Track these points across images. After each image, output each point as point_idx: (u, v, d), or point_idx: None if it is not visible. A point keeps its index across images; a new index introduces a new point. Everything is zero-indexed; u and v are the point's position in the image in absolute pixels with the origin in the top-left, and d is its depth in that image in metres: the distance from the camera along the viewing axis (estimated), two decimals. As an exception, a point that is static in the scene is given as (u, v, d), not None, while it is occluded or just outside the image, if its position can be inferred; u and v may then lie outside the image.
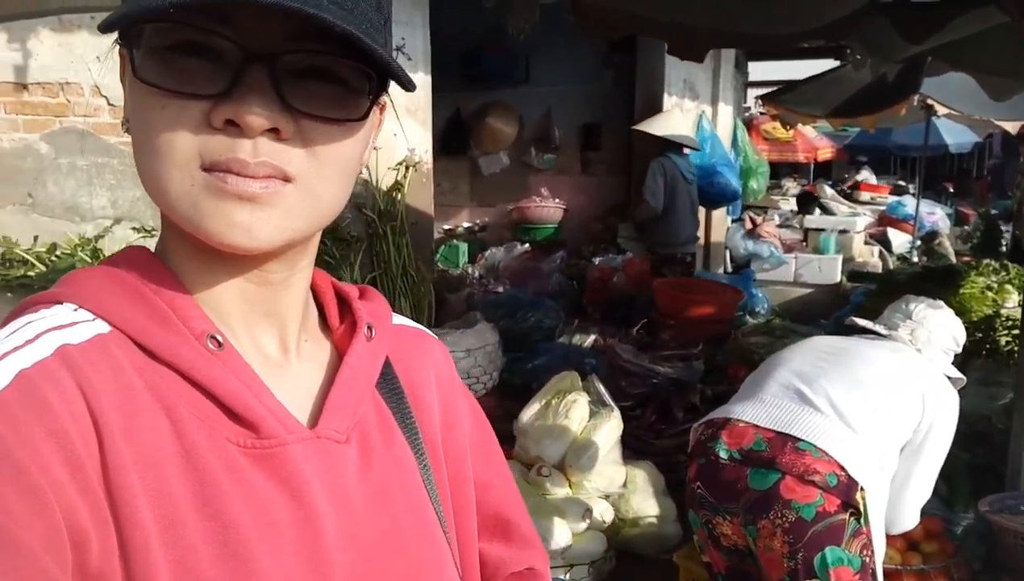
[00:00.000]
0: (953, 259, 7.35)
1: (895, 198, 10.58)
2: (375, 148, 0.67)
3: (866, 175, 12.26)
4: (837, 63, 7.38)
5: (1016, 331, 4.61)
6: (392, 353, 0.68)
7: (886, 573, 2.26)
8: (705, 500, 1.92)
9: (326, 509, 0.56)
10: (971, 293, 4.85)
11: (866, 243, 8.36)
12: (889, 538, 2.36)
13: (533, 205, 7.19)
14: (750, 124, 11.64)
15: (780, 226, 8.14)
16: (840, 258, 7.27)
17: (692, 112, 7.02)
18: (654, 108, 6.66)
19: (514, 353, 4.37)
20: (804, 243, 7.96)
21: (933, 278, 5.05)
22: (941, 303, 2.20)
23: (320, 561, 0.55)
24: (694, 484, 1.97)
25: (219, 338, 0.55)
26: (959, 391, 2.07)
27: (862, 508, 1.77)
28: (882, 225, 9.72)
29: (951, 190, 13.39)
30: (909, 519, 2.01)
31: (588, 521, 2.77)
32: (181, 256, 0.58)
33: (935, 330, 2.08)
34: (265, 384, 0.57)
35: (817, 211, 9.41)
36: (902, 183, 12.48)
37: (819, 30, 4.30)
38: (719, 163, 6.71)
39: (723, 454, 1.87)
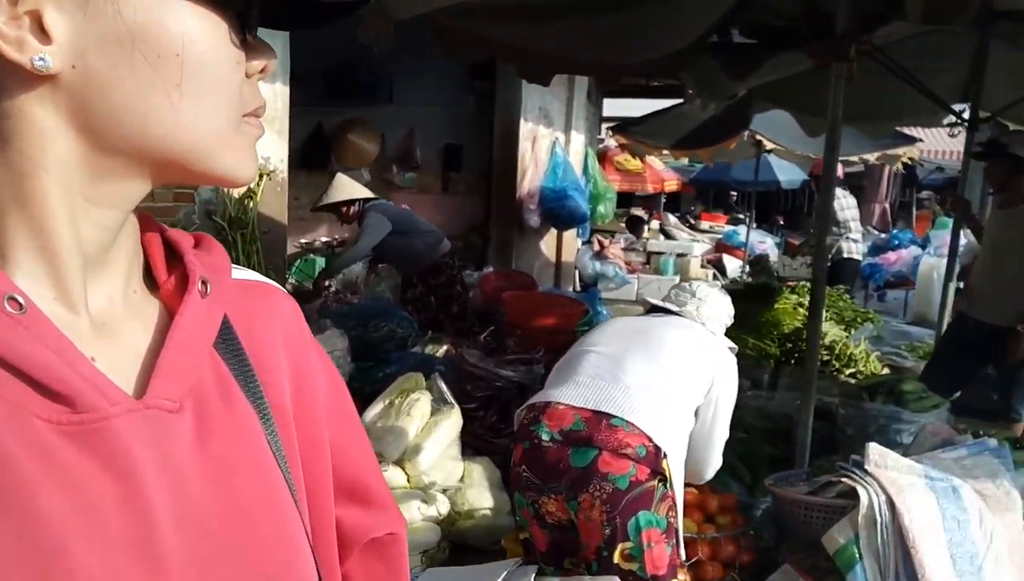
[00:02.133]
0: (775, 281, 8.07)
1: (731, 228, 11.49)
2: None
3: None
4: (681, 101, 8.02)
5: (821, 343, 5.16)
6: (233, 310, 0.62)
7: (684, 541, 2.54)
8: (531, 482, 2.07)
9: (158, 488, 0.50)
10: (784, 308, 5.39)
11: (702, 266, 9.03)
12: (688, 510, 2.66)
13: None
14: (604, 155, 12.31)
15: (626, 249, 8.67)
16: (678, 278, 7.84)
17: (546, 138, 7.40)
18: (511, 132, 7.00)
19: (366, 362, 4.45)
20: (647, 265, 8.50)
21: (753, 295, 5.56)
22: (717, 284, 2.55)
23: (151, 547, 0.49)
24: (519, 468, 2.12)
25: (20, 299, 0.47)
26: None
27: (668, 474, 1.99)
28: (718, 251, 10.56)
29: (781, 222, 14.63)
30: (716, 462, 2.33)
31: (422, 513, 2.91)
32: (30, 204, 0.49)
33: (715, 306, 2.42)
34: (81, 350, 0.50)
35: (661, 237, 10.09)
36: (740, 215, 13.50)
37: (653, 63, 4.71)
38: (570, 188, 7.10)
39: (545, 436, 2.03)
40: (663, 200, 13.99)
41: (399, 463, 3.09)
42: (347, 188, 5.63)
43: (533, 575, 1.88)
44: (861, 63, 3.13)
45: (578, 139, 8.18)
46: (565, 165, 7.34)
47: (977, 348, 4.47)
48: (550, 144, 7.40)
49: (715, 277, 8.69)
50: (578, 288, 8.04)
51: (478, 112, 7.49)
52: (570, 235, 7.90)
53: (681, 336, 2.27)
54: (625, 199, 14.20)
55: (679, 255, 8.22)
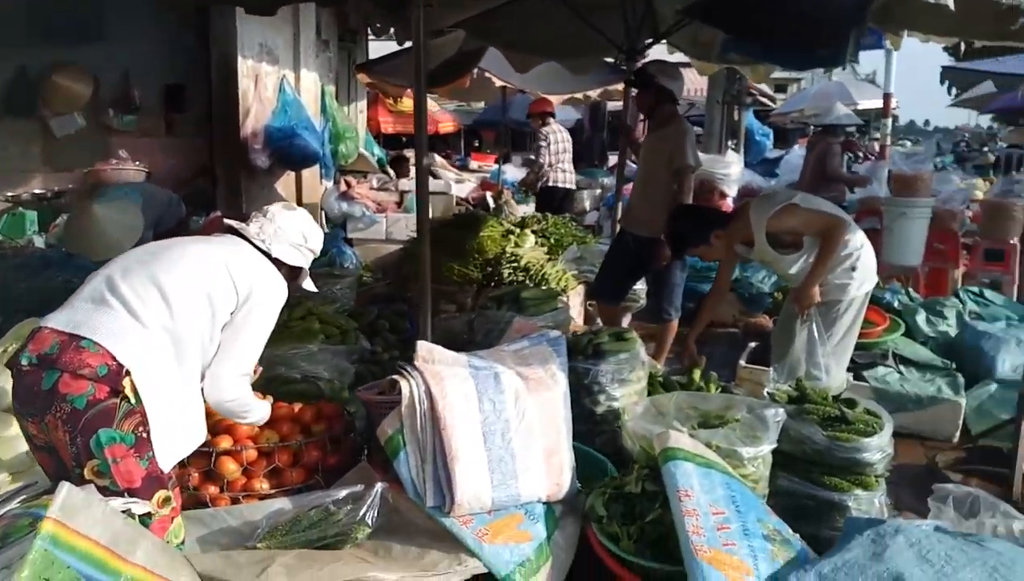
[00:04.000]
0: (516, 213, 8.45)
1: (497, 166, 11.81)
2: None
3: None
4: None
5: (514, 264, 5.51)
6: None
7: (264, 451, 2.68)
8: (16, 407, 2.10)
9: None
10: (489, 235, 5.69)
11: (457, 204, 9.24)
12: (279, 422, 2.80)
13: (109, 168, 6.88)
14: (376, 98, 12.20)
15: (379, 189, 8.69)
16: (426, 216, 8.00)
17: (271, 76, 7.22)
18: (230, 69, 6.76)
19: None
20: (400, 205, 8.59)
21: (462, 223, 5.82)
22: (295, 206, 2.64)
23: None
24: (12, 396, 2.12)
25: None
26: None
27: (131, 391, 2.03)
28: (483, 189, 10.85)
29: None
30: (224, 387, 2.29)
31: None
32: None
33: (282, 226, 2.50)
34: None
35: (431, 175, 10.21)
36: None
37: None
38: (299, 126, 7.00)
39: (24, 361, 2.04)
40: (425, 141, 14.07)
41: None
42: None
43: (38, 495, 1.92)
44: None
45: (310, 77, 8.03)
46: (295, 104, 7.21)
47: (633, 258, 4.95)
48: (276, 82, 7.23)
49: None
50: (326, 229, 7.99)
51: (199, 49, 7.16)
52: (312, 176, 7.82)
53: (206, 254, 2.31)
54: (400, 142, 14.23)
55: (432, 193, 8.37)
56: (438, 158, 11.45)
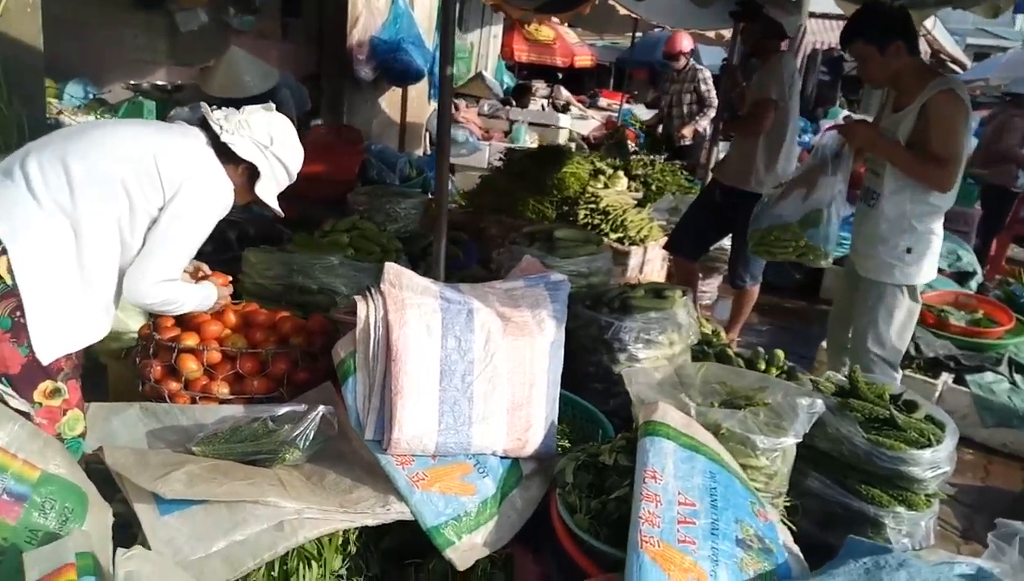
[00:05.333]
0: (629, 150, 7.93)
1: (628, 106, 11.25)
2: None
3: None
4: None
5: (592, 205, 5.15)
6: None
7: (229, 354, 2.56)
8: None
9: None
10: (572, 172, 5.35)
11: (571, 139, 8.88)
12: (254, 328, 2.67)
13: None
14: (513, 25, 11.88)
15: (490, 116, 8.46)
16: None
17: (388, -13, 7.07)
18: (343, -22, 6.64)
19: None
20: (508, 134, 8.34)
21: (543, 156, 5.50)
22: (278, 113, 2.39)
23: None
24: None
25: None
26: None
27: (5, 271, 1.87)
28: (607, 128, 10.38)
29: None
30: (144, 291, 2.09)
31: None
32: None
33: (251, 122, 2.26)
34: None
35: (549, 110, 9.85)
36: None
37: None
38: (406, 40, 6.83)
39: None
40: (560, 77, 13.61)
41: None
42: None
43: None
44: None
45: (426, -9, 7.83)
46: (406, 17, 7.03)
47: (717, 212, 4.48)
48: (393, -8, 7.07)
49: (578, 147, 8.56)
50: (428, 151, 7.88)
51: (319, -48, 7.11)
52: (419, 95, 7.67)
53: (138, 138, 2.10)
54: (535, 71, 13.85)
55: (534, 124, 8.05)
56: (565, 92, 11.04)
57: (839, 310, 3.71)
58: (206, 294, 2.43)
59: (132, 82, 7.21)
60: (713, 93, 7.54)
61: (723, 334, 3.79)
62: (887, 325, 3.28)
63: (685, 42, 7.60)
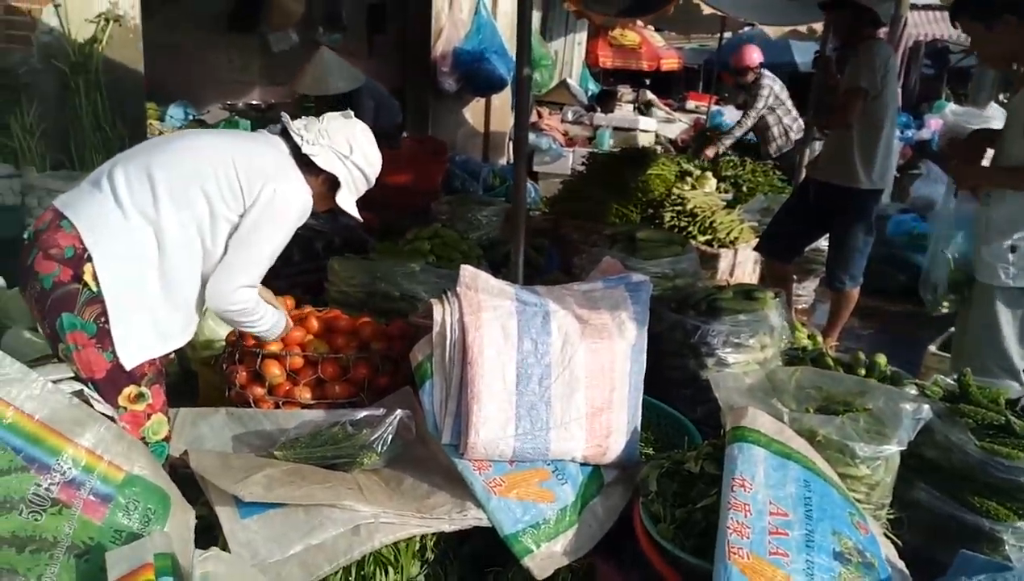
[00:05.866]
0: (709, 154, 7.64)
1: (717, 108, 10.96)
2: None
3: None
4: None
5: (679, 207, 5.02)
6: None
7: (311, 360, 2.59)
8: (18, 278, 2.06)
9: None
10: (657, 174, 5.22)
11: (657, 143, 8.71)
12: (335, 334, 2.69)
13: (313, 84, 7.22)
14: (598, 31, 11.81)
15: (573, 122, 8.40)
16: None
17: (469, -2, 7.12)
18: (425, -9, 6.74)
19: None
20: (592, 140, 8.26)
21: (627, 159, 5.39)
22: (357, 120, 2.38)
23: None
24: None
25: None
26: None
27: (91, 278, 1.92)
28: (695, 130, 10.14)
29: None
30: (224, 296, 2.10)
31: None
32: None
33: (329, 129, 2.26)
34: None
35: (635, 114, 9.71)
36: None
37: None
38: (488, 50, 6.87)
39: (25, 234, 2.03)
40: (647, 81, 13.38)
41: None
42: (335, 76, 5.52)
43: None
44: None
45: (508, 0, 7.82)
46: (489, 27, 7.07)
47: (811, 211, 4.27)
48: (473, 3, 7.11)
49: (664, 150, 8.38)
50: (511, 160, 7.87)
51: (402, -31, 7.24)
52: (502, 104, 7.68)
53: (218, 147, 2.12)
54: (622, 76, 13.70)
55: (618, 128, 7.92)
56: (650, 95, 10.87)
57: (960, 317, 3.47)
58: (281, 315, 2.44)
59: (228, 102, 7.54)
60: (755, 109, 6.91)
61: (820, 339, 3.59)
62: (999, 331, 3.03)
63: (754, 55, 7.12)
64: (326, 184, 2.29)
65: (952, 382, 2.78)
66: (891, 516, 2.40)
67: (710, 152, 6.84)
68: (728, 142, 6.95)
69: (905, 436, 2.31)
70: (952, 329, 4.26)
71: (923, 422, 2.36)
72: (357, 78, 5.55)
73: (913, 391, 2.75)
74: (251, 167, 2.10)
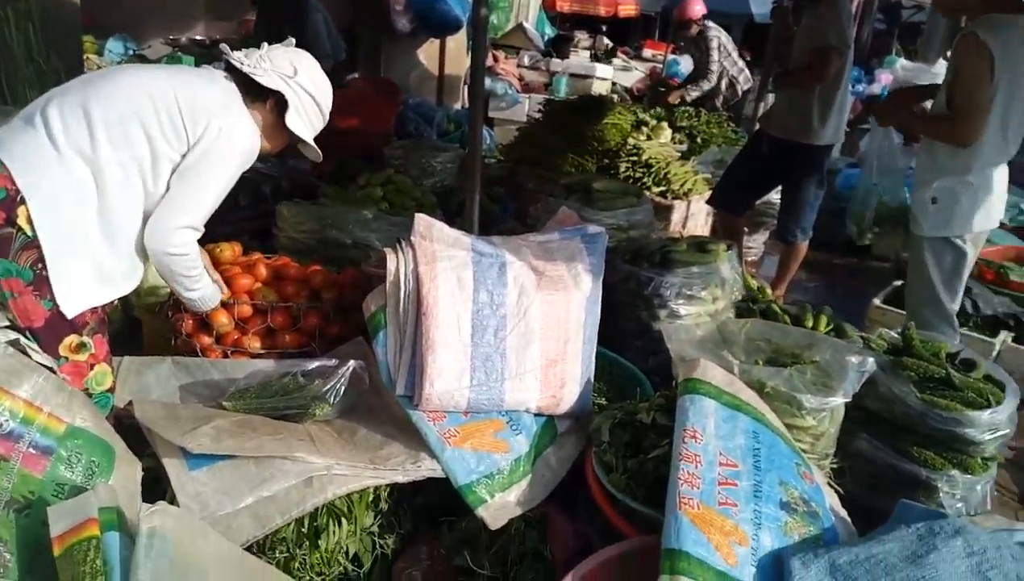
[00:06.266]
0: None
1: (673, 57, 10.90)
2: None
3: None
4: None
5: (634, 158, 5.00)
6: None
7: (260, 307, 2.52)
8: None
9: None
10: (613, 123, 5.18)
11: (613, 91, 8.65)
12: (285, 282, 2.62)
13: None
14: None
15: (529, 68, 8.26)
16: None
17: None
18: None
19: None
20: (549, 86, 8.15)
21: (584, 107, 5.33)
22: (300, 49, 2.28)
23: None
24: None
25: None
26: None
27: (25, 222, 1.82)
28: (651, 79, 10.08)
29: (748, 58, 13.85)
30: (164, 237, 2.01)
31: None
32: None
33: (275, 57, 2.16)
34: None
35: (590, 60, 9.59)
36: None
37: None
38: (444, -11, 6.66)
39: None
40: (604, 28, 13.23)
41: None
42: None
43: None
44: None
45: (464, -61, 7.58)
46: (444, -34, 6.84)
47: (764, 164, 4.29)
48: (429, -59, 6.86)
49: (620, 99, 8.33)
50: (466, 105, 7.73)
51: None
52: (458, 47, 7.50)
53: (158, 81, 2.01)
54: (579, 22, 13.51)
55: (575, 76, 7.83)
56: (608, 43, 10.74)
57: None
58: (216, 289, 2.36)
59: (171, 37, 7.21)
60: (714, 61, 6.94)
61: (769, 291, 3.65)
62: (928, 278, 3.14)
63: (696, 7, 7.08)
64: (274, 111, 2.19)
65: (896, 335, 2.86)
66: (834, 465, 2.48)
67: (674, 98, 6.81)
68: (694, 94, 6.92)
69: (850, 388, 2.37)
70: (897, 282, 4.39)
71: (867, 374, 2.43)
72: None
73: (858, 344, 2.82)
74: (195, 104, 2.00)
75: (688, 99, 6.84)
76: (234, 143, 2.05)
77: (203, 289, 2.26)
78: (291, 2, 5.20)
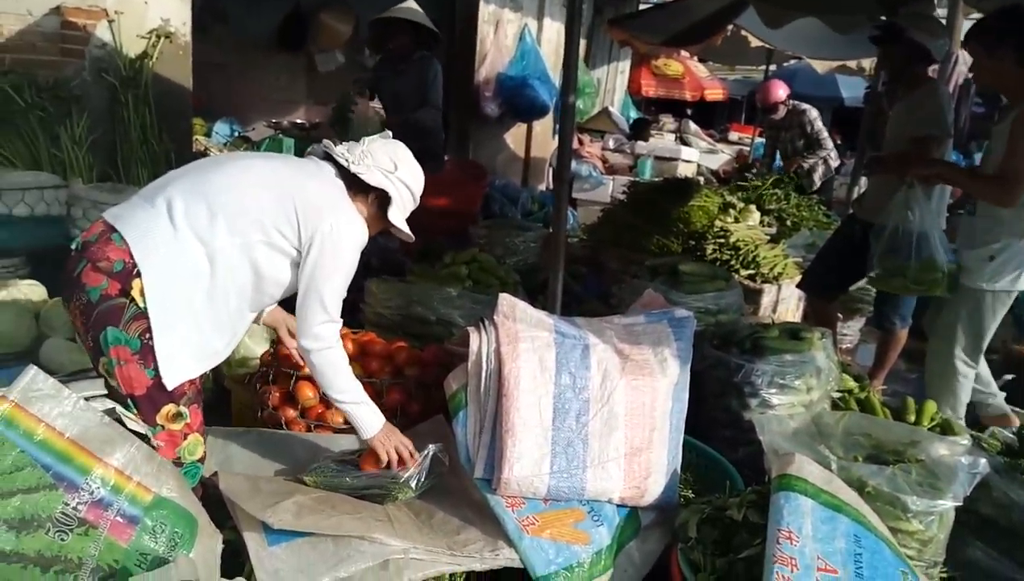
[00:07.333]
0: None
1: (761, 140, 10.85)
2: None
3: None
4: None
5: (721, 240, 4.93)
6: None
7: None
8: (61, 291, 2.05)
9: None
10: (699, 205, 5.13)
11: (699, 173, 8.63)
12: (369, 358, 2.64)
13: (359, 105, 7.29)
14: (641, 59, 11.78)
15: (614, 151, 8.35)
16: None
17: (512, 24, 7.13)
18: (471, 14, 6.77)
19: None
20: (633, 169, 8.20)
21: (669, 189, 5.32)
22: (395, 140, 2.35)
23: None
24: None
25: None
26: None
27: (138, 294, 1.89)
28: (738, 162, 10.04)
29: (838, 141, 13.67)
30: (311, 333, 2.10)
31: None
32: None
33: (372, 150, 2.23)
34: None
35: (674, 143, 9.64)
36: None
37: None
38: (532, 76, 6.87)
39: (73, 245, 2.03)
40: (689, 111, 13.31)
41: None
42: (414, 11, 5.10)
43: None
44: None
45: (553, 27, 7.81)
46: (533, 53, 7.08)
47: (857, 249, 4.14)
48: (518, 30, 7.12)
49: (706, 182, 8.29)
50: (551, 186, 7.85)
51: (450, -6, 7.28)
52: (544, 131, 7.67)
53: (278, 175, 2.11)
54: (664, 105, 13.65)
55: (660, 158, 7.85)
56: (692, 126, 10.80)
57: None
58: (379, 415, 2.27)
59: (273, 120, 7.63)
60: (824, 132, 7.12)
61: (867, 381, 3.47)
62: (978, 330, 3.30)
63: (780, 91, 7.14)
64: (375, 203, 2.25)
65: (1011, 435, 2.65)
66: (944, 575, 2.28)
67: (791, 165, 7.01)
68: (811, 161, 7.02)
69: (961, 491, 2.20)
70: (1006, 376, 4.12)
71: (980, 477, 2.24)
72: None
73: (968, 442, 2.62)
74: (308, 201, 2.08)
75: (805, 166, 6.89)
76: (344, 237, 2.11)
77: (352, 392, 2.20)
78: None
